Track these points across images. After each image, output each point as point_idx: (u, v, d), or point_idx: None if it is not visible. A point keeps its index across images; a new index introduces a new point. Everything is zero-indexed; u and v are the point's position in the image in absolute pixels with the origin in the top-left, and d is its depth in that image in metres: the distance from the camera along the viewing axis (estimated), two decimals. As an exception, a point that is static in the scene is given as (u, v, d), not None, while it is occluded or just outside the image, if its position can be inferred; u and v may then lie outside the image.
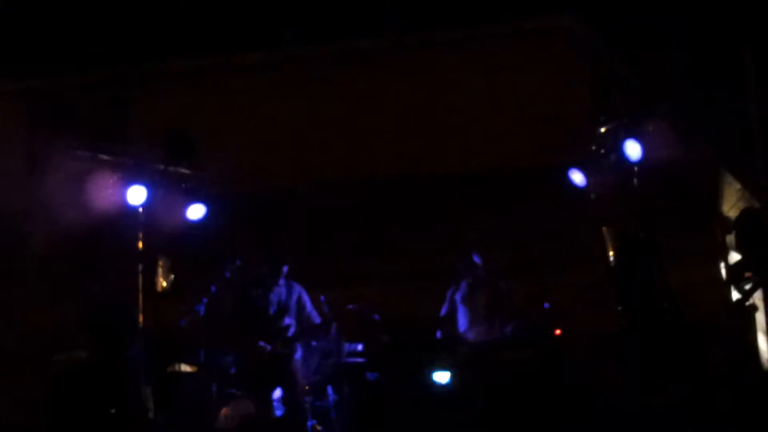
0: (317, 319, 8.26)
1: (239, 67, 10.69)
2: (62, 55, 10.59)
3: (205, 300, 8.30)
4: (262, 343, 8.01)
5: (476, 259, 8.61)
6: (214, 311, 8.52)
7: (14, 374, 9.85)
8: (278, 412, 7.91)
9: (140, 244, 8.52)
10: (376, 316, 8.23)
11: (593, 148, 8.57)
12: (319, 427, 7.67)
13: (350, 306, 8.16)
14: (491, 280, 8.63)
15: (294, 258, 8.22)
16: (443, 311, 8.72)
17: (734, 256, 9.47)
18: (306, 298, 8.36)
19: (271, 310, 8.21)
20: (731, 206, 9.80)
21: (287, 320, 8.21)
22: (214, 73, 10.72)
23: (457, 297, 8.70)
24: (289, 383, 7.93)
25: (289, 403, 7.80)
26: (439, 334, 8.50)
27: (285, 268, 8.19)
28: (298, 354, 8.13)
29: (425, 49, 10.55)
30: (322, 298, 8.16)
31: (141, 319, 8.39)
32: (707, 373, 7.83)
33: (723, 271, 9.64)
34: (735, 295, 9.13)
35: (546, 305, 8.12)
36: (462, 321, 8.57)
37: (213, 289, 8.34)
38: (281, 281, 8.25)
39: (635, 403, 7.59)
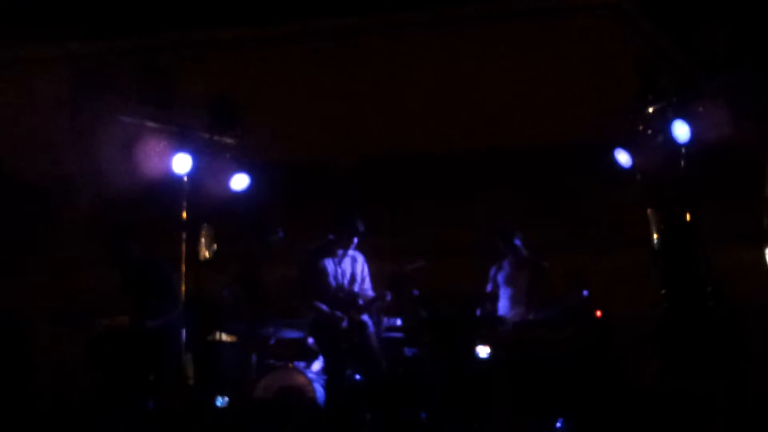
0: (372, 292, 8.19)
1: (282, 37, 10.69)
2: (110, 21, 10.65)
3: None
4: (339, 314, 7.93)
5: (517, 242, 8.55)
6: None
7: (58, 337, 10.02)
8: (316, 384, 7.94)
9: (184, 213, 8.58)
10: (415, 292, 8.20)
11: (640, 128, 8.45)
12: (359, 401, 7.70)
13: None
14: (534, 260, 8.58)
15: (365, 230, 8.13)
16: (488, 289, 8.67)
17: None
18: (367, 269, 8.29)
19: (343, 281, 8.17)
20: (779, 190, 9.64)
21: (355, 289, 8.16)
22: (260, 43, 10.74)
23: (500, 277, 8.65)
24: (369, 354, 7.87)
25: (364, 375, 7.78)
26: (479, 312, 8.47)
27: (356, 240, 8.10)
28: (371, 325, 8.09)
29: (469, 24, 10.48)
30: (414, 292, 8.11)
31: (183, 287, 8.45)
32: (748, 359, 7.76)
33: (768, 257, 9.50)
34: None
35: (585, 293, 8.04)
36: (503, 301, 8.54)
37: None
38: (348, 251, 8.18)
39: (674, 387, 7.56)
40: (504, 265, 8.62)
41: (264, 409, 7.36)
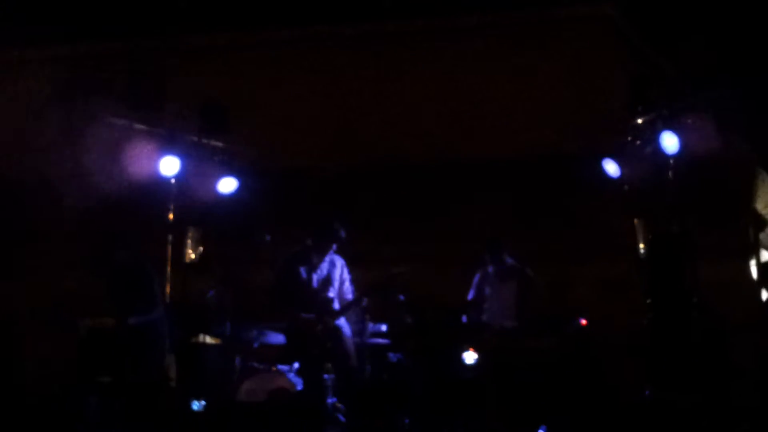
0: (351, 295, 8.26)
1: (273, 43, 10.70)
2: (100, 24, 10.65)
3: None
4: (311, 318, 8.01)
5: (502, 249, 8.56)
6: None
7: (42, 339, 9.98)
8: (300, 387, 7.94)
9: (171, 215, 8.57)
10: (401, 297, 8.21)
11: (629, 138, 8.49)
12: (339, 405, 7.69)
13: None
14: (519, 268, 8.59)
15: (345, 234, 8.19)
16: (470, 296, 8.69)
17: (766, 255, 9.37)
18: (347, 272, 8.36)
19: (318, 285, 8.20)
20: (765, 205, 9.68)
21: (330, 294, 8.20)
22: (252, 48, 10.74)
23: (484, 284, 8.67)
24: (343, 357, 7.91)
25: (341, 378, 7.79)
26: (464, 318, 8.47)
27: (335, 246, 8.19)
28: (347, 329, 8.13)
29: (459, 34, 10.50)
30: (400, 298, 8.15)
31: (168, 289, 8.44)
32: (731, 371, 7.76)
33: (754, 270, 9.53)
34: (765, 295, 9.04)
35: (582, 320, 8.08)
36: (489, 309, 8.54)
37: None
38: (325, 256, 8.26)
39: (658, 397, 7.56)
40: (489, 274, 8.63)
41: (248, 412, 7.32)
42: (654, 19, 9.82)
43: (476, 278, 8.69)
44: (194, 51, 10.73)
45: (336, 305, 8.16)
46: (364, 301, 8.01)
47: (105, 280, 8.50)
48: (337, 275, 8.27)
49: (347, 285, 8.30)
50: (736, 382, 7.77)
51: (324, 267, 8.25)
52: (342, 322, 8.13)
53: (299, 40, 10.67)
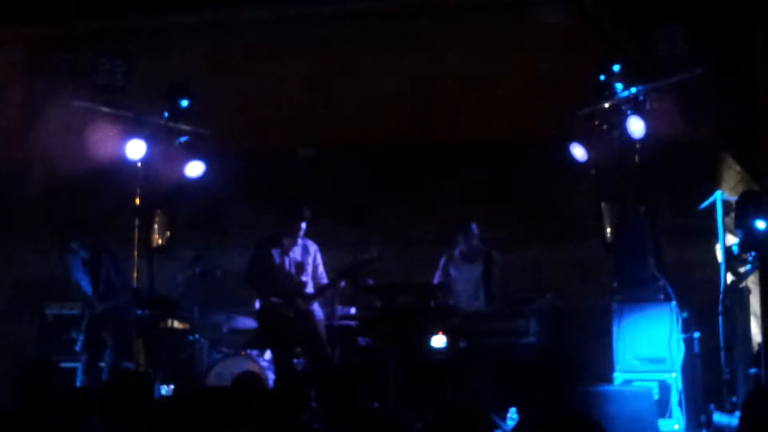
0: (325, 280, 8.26)
1: (243, 23, 10.59)
2: (64, 4, 10.47)
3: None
4: (285, 303, 8.01)
5: (474, 230, 8.60)
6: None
7: (10, 323, 9.87)
8: (269, 373, 7.92)
9: (137, 199, 8.50)
10: (370, 281, 8.22)
11: (596, 123, 8.54)
12: (309, 389, 7.67)
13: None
14: (485, 250, 8.63)
15: (312, 216, 8.17)
16: (436, 279, 8.72)
17: (731, 239, 9.48)
18: (320, 257, 8.35)
19: (290, 270, 8.18)
20: (730, 188, 9.79)
21: (303, 278, 8.19)
22: (218, 29, 10.61)
23: (450, 267, 8.70)
24: (315, 342, 7.91)
25: (311, 362, 7.79)
26: (432, 302, 8.49)
27: (303, 227, 8.16)
28: (319, 313, 8.12)
29: (426, 16, 10.47)
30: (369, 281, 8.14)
31: (135, 274, 8.39)
32: (698, 354, 7.85)
33: (719, 253, 9.64)
34: (729, 277, 9.15)
35: (548, 296, 8.12)
36: (454, 291, 8.58)
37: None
38: (298, 240, 8.23)
39: (625, 380, 7.64)
40: (455, 255, 8.68)
41: (217, 397, 7.28)
42: (623, 3, 9.85)
43: (442, 261, 8.73)
44: (160, 32, 10.59)
45: (309, 289, 8.16)
46: (342, 283, 7.99)
47: (71, 264, 8.46)
48: (310, 260, 8.28)
49: (321, 270, 8.31)
50: (700, 362, 7.86)
51: (297, 251, 8.24)
52: (314, 306, 8.13)
53: (269, 20, 10.57)
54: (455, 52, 10.25)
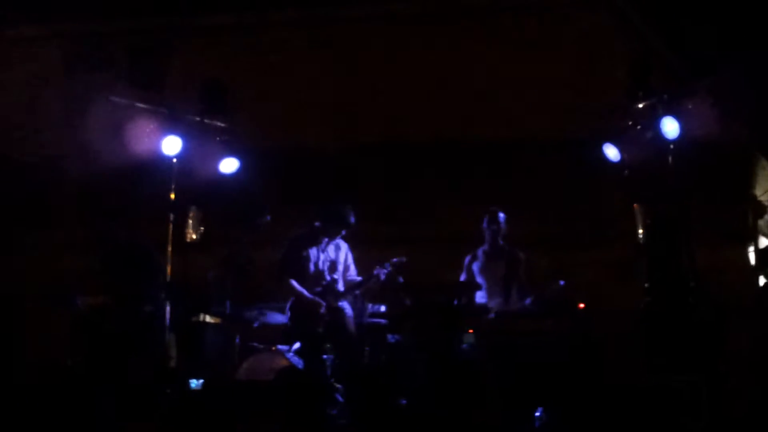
0: (357, 278, 8.34)
1: (275, 23, 10.70)
2: (102, 1, 10.62)
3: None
4: (318, 299, 8.10)
5: (501, 218, 8.59)
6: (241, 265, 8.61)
7: (43, 318, 10.01)
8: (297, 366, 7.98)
9: (172, 195, 8.58)
10: (401, 279, 8.25)
11: (629, 123, 8.50)
12: (338, 385, 7.73)
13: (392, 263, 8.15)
14: (510, 250, 8.63)
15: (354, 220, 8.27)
16: (462, 279, 8.73)
17: (764, 241, 9.42)
18: (351, 256, 8.44)
19: (323, 267, 8.28)
20: (764, 191, 9.72)
21: (335, 276, 8.29)
22: (253, 28, 10.73)
23: (475, 267, 8.71)
24: (345, 338, 7.97)
25: (341, 358, 7.85)
26: (456, 301, 8.48)
27: (344, 232, 8.27)
28: (349, 311, 8.19)
29: (463, 17, 10.50)
30: (399, 279, 8.19)
31: (169, 269, 8.47)
32: (729, 356, 7.81)
33: (752, 256, 9.58)
34: (762, 280, 9.09)
35: (561, 282, 8.09)
36: (480, 291, 8.58)
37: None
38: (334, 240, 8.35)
39: (655, 382, 7.60)
40: (479, 255, 8.70)
41: (247, 391, 7.37)
42: (657, 4, 9.82)
43: (466, 260, 8.75)
44: (197, 30, 10.72)
45: (340, 287, 8.24)
46: (382, 276, 8.03)
47: (105, 258, 8.54)
48: (342, 259, 8.38)
49: (352, 269, 8.42)
50: (731, 365, 7.82)
51: (330, 249, 8.36)
52: (344, 303, 8.21)
53: (303, 19, 10.67)
54: (485, 52, 10.28)
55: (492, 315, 8.09)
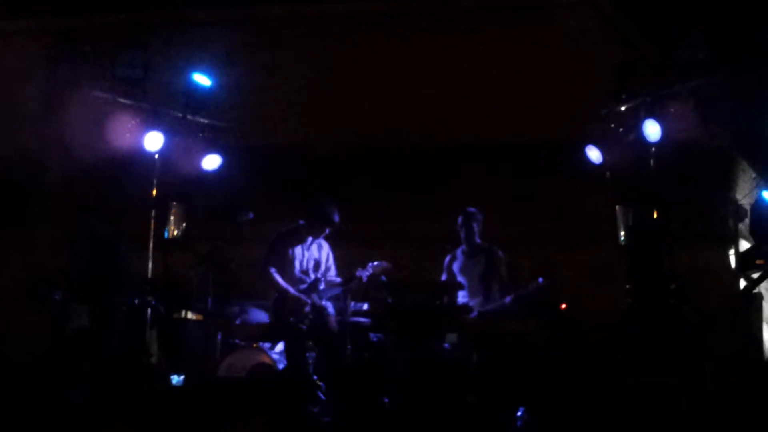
0: (337, 278, 8.35)
1: (263, 20, 10.67)
2: (86, -3, 10.58)
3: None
4: (301, 296, 8.11)
5: (476, 214, 8.61)
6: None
7: (19, 316, 9.94)
8: (280, 365, 7.97)
9: (154, 191, 8.56)
10: (383, 278, 8.26)
11: (612, 126, 8.54)
12: (320, 383, 7.72)
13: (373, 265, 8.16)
14: (488, 248, 8.65)
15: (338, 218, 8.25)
16: (442, 279, 8.74)
17: (744, 245, 9.48)
18: (332, 257, 8.48)
19: (308, 266, 8.27)
20: (745, 195, 9.78)
21: (318, 275, 8.32)
22: (237, 24, 10.70)
23: (455, 266, 8.73)
24: (328, 336, 7.98)
25: (323, 356, 7.85)
26: (438, 301, 8.45)
27: (328, 231, 8.27)
28: (331, 309, 8.20)
29: (442, 16, 10.52)
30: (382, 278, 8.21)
31: (150, 265, 8.44)
32: (708, 357, 7.85)
33: (732, 259, 9.64)
34: (743, 283, 9.15)
35: (540, 280, 8.12)
36: (460, 291, 8.58)
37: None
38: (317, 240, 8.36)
39: (637, 382, 7.64)
40: (458, 254, 8.72)
41: (228, 387, 7.33)
42: (641, 6, 9.87)
43: (446, 260, 8.77)
44: (180, 25, 10.68)
45: (322, 285, 8.25)
46: (365, 277, 8.05)
47: (82, 255, 8.50)
48: (323, 258, 8.39)
49: (333, 270, 8.45)
50: (712, 366, 7.87)
51: (314, 248, 8.37)
52: (326, 302, 8.23)
53: (289, 17, 10.65)
54: (471, 52, 10.29)
55: (474, 314, 8.10)
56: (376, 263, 8.17)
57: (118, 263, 8.64)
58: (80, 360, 7.95)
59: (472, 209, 8.67)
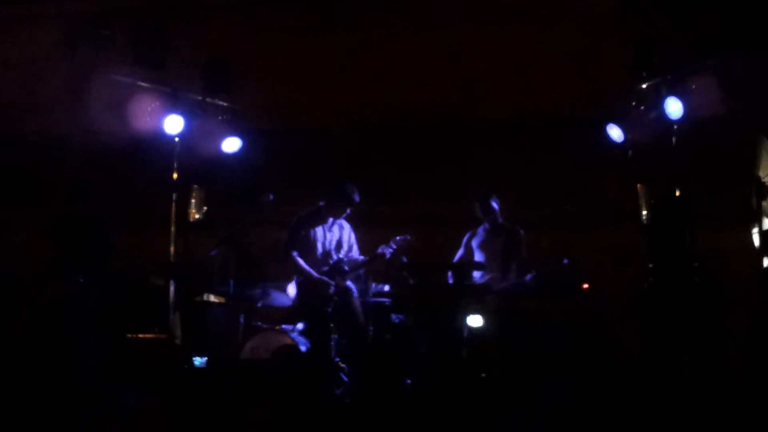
0: (360, 257, 8.38)
1: (282, 3, 10.66)
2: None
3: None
4: (324, 278, 8.14)
5: (494, 204, 8.59)
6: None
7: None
8: (302, 347, 8.00)
9: (175, 174, 8.58)
10: (404, 259, 8.26)
11: (633, 104, 8.48)
12: (342, 365, 7.76)
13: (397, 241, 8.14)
14: (510, 227, 8.63)
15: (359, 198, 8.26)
16: (457, 256, 8.74)
17: (768, 223, 9.43)
18: (354, 236, 8.48)
19: (330, 247, 8.30)
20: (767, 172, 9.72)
21: (340, 255, 8.35)
22: (259, 7, 10.69)
23: (474, 243, 8.72)
24: (351, 318, 8.01)
25: (346, 338, 7.89)
26: (450, 279, 8.48)
27: (349, 211, 8.27)
28: (355, 291, 8.23)
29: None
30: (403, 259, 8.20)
31: (172, 248, 8.48)
32: (729, 337, 7.82)
33: (755, 238, 9.58)
34: (766, 262, 9.09)
35: (565, 261, 8.09)
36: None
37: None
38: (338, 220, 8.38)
39: (658, 362, 7.62)
40: (479, 231, 8.71)
41: (251, 370, 7.39)
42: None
43: (465, 238, 8.76)
44: (200, 8, 10.68)
45: (345, 266, 8.27)
46: (388, 253, 8.04)
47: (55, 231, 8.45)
48: (345, 238, 8.41)
49: (355, 249, 8.45)
50: (733, 347, 7.83)
51: (335, 229, 8.39)
52: (350, 284, 8.25)
53: (307, 1, 10.63)
54: (489, 32, 10.24)
55: (496, 295, 8.09)
56: (399, 238, 8.18)
57: (103, 246, 8.53)
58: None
59: (487, 190, 8.65)
